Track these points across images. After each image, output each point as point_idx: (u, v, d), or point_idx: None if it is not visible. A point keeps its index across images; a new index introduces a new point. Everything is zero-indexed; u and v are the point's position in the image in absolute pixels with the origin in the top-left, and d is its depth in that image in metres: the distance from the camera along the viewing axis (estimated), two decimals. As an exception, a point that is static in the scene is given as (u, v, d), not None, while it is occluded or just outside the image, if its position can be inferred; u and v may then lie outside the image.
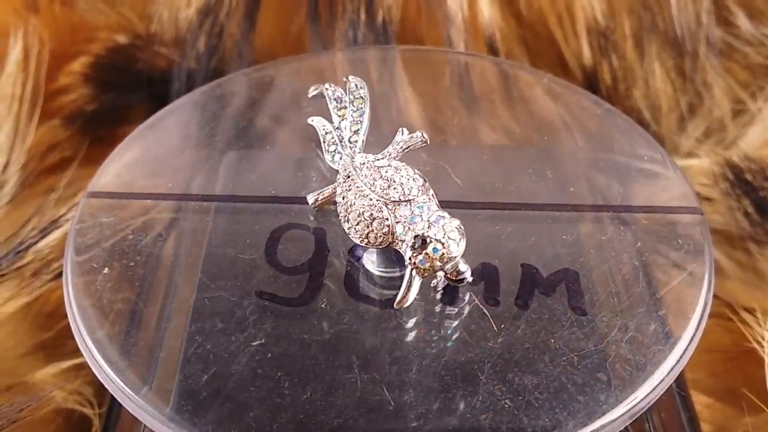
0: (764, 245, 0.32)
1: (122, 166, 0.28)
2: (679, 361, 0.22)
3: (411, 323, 0.23)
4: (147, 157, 0.28)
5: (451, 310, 0.23)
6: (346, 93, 0.27)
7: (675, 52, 0.38)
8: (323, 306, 0.23)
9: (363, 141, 0.26)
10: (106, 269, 0.25)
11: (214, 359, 0.22)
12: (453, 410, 0.21)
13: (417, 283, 0.22)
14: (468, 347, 0.22)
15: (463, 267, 0.22)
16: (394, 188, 0.23)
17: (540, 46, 0.39)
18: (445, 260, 0.22)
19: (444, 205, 0.23)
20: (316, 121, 0.27)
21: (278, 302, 0.24)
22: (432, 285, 0.23)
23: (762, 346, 0.28)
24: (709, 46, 0.38)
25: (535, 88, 0.31)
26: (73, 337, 0.24)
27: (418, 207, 0.23)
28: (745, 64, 0.39)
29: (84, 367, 0.29)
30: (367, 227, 0.23)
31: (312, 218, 0.26)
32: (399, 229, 0.22)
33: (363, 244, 0.23)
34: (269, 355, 0.22)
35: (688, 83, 0.38)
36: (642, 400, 0.21)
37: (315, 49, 0.37)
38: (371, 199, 0.23)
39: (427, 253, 0.22)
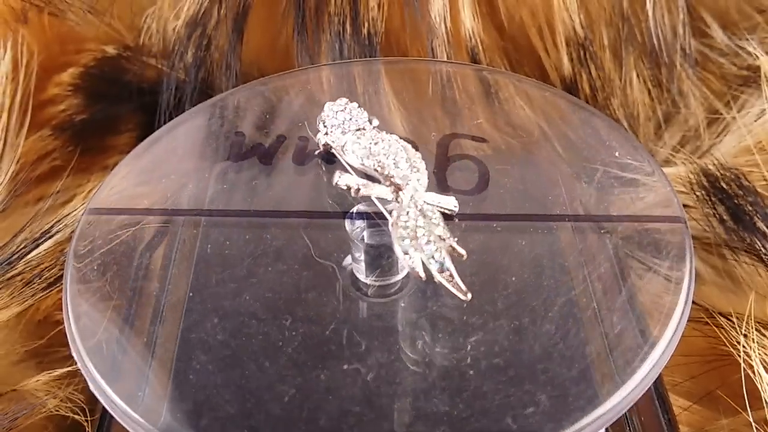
0: (739, 251, 0.32)
1: (120, 178, 0.28)
2: (656, 364, 0.22)
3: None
4: (144, 171, 0.29)
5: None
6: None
7: (652, 62, 0.39)
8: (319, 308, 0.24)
9: None
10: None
11: (206, 370, 0.22)
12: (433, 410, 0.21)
13: None
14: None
15: None
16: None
17: (521, 57, 0.40)
18: None
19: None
20: None
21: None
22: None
23: (738, 350, 0.29)
24: (684, 56, 0.39)
25: (517, 94, 0.31)
26: (64, 345, 0.24)
27: None
28: (720, 74, 0.39)
29: (76, 374, 0.29)
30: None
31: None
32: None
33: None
34: (264, 363, 0.22)
35: (665, 93, 0.39)
36: (620, 402, 0.21)
37: (302, 60, 0.37)
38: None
39: None
